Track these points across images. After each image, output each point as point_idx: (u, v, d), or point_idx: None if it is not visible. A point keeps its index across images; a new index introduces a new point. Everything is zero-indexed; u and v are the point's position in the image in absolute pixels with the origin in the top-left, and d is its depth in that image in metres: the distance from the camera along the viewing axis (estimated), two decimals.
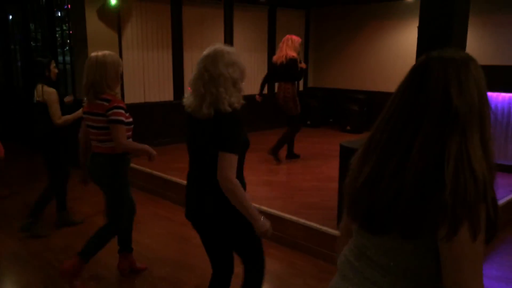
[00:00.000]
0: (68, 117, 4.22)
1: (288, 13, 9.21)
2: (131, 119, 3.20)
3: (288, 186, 5.28)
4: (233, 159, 2.11)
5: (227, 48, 2.19)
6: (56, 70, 4.38)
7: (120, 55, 6.85)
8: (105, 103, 3.09)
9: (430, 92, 1.16)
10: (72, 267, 3.15)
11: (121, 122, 3.08)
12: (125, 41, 6.91)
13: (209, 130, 2.13)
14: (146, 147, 3.31)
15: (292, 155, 6.47)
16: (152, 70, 7.31)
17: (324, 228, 3.88)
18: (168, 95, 7.58)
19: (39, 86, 4.20)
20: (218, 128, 2.11)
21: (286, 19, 9.20)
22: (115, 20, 6.74)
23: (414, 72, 1.23)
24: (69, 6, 7.03)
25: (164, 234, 4.48)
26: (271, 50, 8.72)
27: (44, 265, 3.78)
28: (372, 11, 8.78)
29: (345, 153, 3.75)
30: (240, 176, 2.21)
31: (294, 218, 4.15)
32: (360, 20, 8.99)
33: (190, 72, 7.84)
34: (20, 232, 4.29)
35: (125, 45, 6.91)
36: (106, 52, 3.19)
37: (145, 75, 7.24)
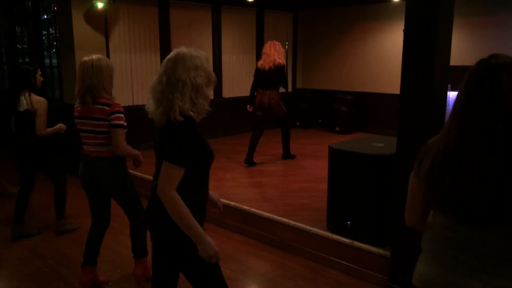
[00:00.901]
0: (48, 130, 4.19)
1: (275, 15, 9.24)
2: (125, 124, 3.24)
3: (278, 188, 5.29)
4: (174, 170, 1.95)
5: (192, 52, 2.04)
6: (41, 78, 4.32)
7: (108, 58, 6.81)
8: (106, 108, 3.10)
9: (504, 100, 1.31)
10: (141, 271, 3.44)
11: (122, 126, 3.13)
12: (112, 44, 6.87)
13: (161, 137, 2.04)
14: (138, 153, 3.34)
15: (288, 155, 6.62)
16: (140, 73, 7.27)
17: (314, 230, 3.89)
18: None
19: (27, 94, 4.09)
20: (165, 136, 2.01)
21: (273, 21, 9.23)
22: (102, 23, 6.70)
23: (479, 79, 1.38)
24: (55, 8, 6.97)
25: None
26: (260, 52, 8.71)
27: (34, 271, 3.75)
28: (359, 13, 8.84)
29: (334, 154, 3.77)
30: (196, 191, 2.08)
31: (283, 219, 4.16)
32: (347, 22, 9.05)
33: None
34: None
35: (112, 48, 6.88)
36: (100, 56, 3.19)
37: (133, 78, 7.20)
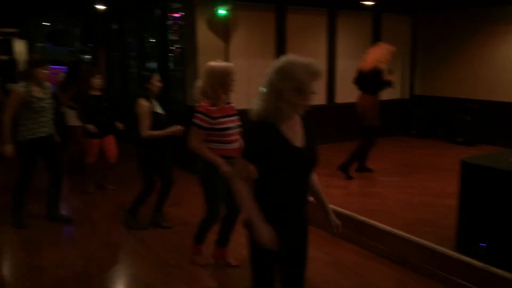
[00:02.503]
0: (154, 133, 4.37)
1: (393, 18, 8.87)
2: (225, 125, 3.43)
3: (395, 200, 5.04)
4: (241, 163, 2.20)
5: (294, 59, 2.12)
6: (158, 84, 4.55)
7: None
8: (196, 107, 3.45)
9: None
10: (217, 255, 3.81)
11: (196, 125, 3.40)
12: (232, 50, 7.11)
13: None
14: (216, 159, 3.40)
15: (363, 168, 6.07)
16: (256, 78, 7.42)
17: (441, 249, 3.63)
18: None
19: (138, 100, 4.42)
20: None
21: (391, 25, 8.87)
22: (223, 29, 6.97)
23: None
24: (181, 15, 7.41)
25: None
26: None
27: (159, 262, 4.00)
28: (486, 15, 8.12)
29: (469, 169, 3.47)
30: (270, 192, 2.18)
31: (406, 234, 3.95)
32: (472, 25, 8.36)
33: None
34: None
35: (232, 53, 7.11)
36: (219, 62, 3.52)
37: (249, 83, 7.38)
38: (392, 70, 5.88)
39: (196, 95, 3.56)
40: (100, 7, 8.99)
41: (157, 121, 4.42)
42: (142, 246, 4.34)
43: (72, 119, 6.49)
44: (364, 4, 7.71)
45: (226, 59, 7.05)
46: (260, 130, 2.16)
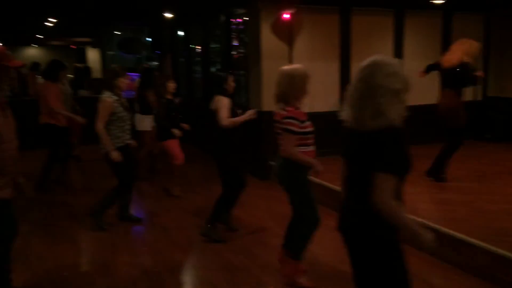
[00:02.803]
0: (235, 119, 4.42)
1: (465, 17, 8.44)
2: (308, 129, 3.41)
3: (471, 207, 4.76)
4: (390, 180, 1.97)
5: (386, 59, 2.11)
6: (233, 84, 4.65)
7: None
8: (283, 112, 3.37)
9: None
10: (289, 270, 3.57)
11: (290, 131, 3.32)
12: (295, 53, 7.08)
13: (366, 145, 2.05)
14: (312, 161, 3.41)
15: (436, 174, 5.66)
16: (319, 82, 7.35)
17: None
18: (334, 105, 7.54)
19: (216, 97, 4.48)
20: (376, 144, 2.00)
21: (462, 24, 8.43)
22: (287, 33, 6.97)
23: None
24: (244, 20, 7.50)
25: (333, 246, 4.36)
26: None
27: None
28: None
29: None
30: (398, 198, 2.06)
31: (483, 244, 3.71)
32: None
33: None
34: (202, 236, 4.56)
35: (296, 57, 7.08)
36: (296, 65, 3.51)
37: (313, 86, 7.31)
38: (476, 67, 5.53)
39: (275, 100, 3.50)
40: (168, 15, 9.32)
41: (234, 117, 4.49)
42: (210, 249, 4.39)
43: (143, 123, 6.70)
44: (433, 2, 7.41)
45: (290, 63, 7.04)
46: (402, 138, 2.03)
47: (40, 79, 8.84)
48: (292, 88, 3.38)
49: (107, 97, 4.57)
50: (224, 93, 4.52)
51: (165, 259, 4.18)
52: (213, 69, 8.96)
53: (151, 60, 11.44)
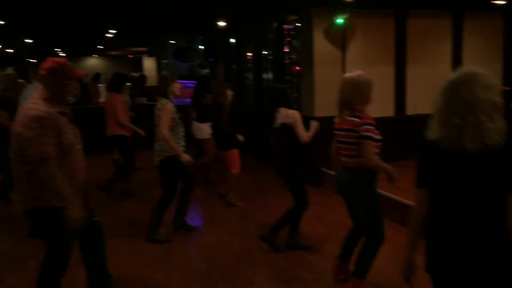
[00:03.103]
0: (310, 134, 4.36)
1: None
2: (379, 137, 3.28)
3: None
4: None
5: (478, 70, 1.93)
6: (291, 95, 4.66)
7: (344, 72, 6.97)
8: (357, 120, 3.25)
9: None
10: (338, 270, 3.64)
11: (370, 138, 3.20)
12: (348, 58, 6.99)
13: (478, 167, 1.85)
14: (391, 168, 3.28)
15: None
16: (375, 87, 7.21)
17: None
18: (388, 111, 7.38)
19: (283, 110, 4.35)
20: (493, 165, 1.82)
21: None
22: (340, 38, 6.90)
23: None
24: (296, 26, 7.51)
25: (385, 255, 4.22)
26: (508, 60, 7.72)
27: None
28: None
29: None
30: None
31: None
32: None
33: (413, 87, 7.50)
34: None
35: (349, 62, 6.99)
36: (360, 72, 3.38)
37: None
38: None
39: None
40: (221, 23, 9.50)
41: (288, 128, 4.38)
42: (265, 257, 4.38)
43: (202, 131, 6.69)
44: (495, 3, 7.07)
45: (343, 68, 6.97)
46: None
47: (102, 88, 9.27)
48: (358, 95, 3.28)
49: (167, 103, 4.58)
50: (289, 105, 4.46)
51: (218, 264, 4.23)
52: (265, 76, 9.03)
53: (203, 67, 11.69)
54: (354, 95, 3.28)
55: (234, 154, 5.90)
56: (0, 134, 5.78)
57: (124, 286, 3.81)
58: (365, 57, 7.10)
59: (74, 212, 2.80)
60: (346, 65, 6.99)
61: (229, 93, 5.95)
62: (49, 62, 2.92)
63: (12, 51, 14.65)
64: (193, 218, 5.54)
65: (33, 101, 2.87)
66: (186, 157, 4.56)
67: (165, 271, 4.10)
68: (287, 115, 4.35)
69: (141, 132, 6.35)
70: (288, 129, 4.34)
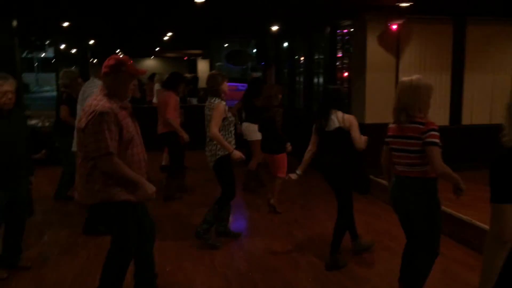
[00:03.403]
0: (366, 138, 4.25)
1: None
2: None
3: None
4: None
5: None
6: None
7: (397, 79, 6.82)
8: (420, 126, 3.09)
9: None
10: None
11: (437, 144, 3.04)
12: (402, 65, 6.84)
13: None
14: (458, 177, 3.09)
15: None
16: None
17: None
18: (443, 120, 7.13)
19: (339, 113, 4.19)
20: None
21: None
22: (394, 44, 6.76)
23: None
24: (349, 31, 7.42)
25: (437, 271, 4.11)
26: None
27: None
28: None
29: None
30: None
31: None
32: None
33: (470, 96, 7.22)
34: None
35: (403, 69, 6.83)
36: (419, 76, 3.21)
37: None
38: None
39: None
40: (274, 28, 9.57)
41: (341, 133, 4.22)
42: (307, 262, 4.39)
43: (254, 133, 6.63)
44: None
45: (396, 75, 6.82)
46: None
47: (157, 86, 9.57)
48: (416, 100, 3.11)
49: (220, 102, 4.52)
50: (344, 108, 4.32)
51: (260, 266, 4.26)
52: (316, 81, 8.99)
53: (255, 70, 11.80)
54: (412, 100, 3.11)
55: (283, 158, 5.84)
56: (60, 129, 6.14)
57: (167, 282, 3.92)
58: (420, 63, 6.93)
59: (148, 189, 3.01)
60: (400, 72, 6.84)
61: (280, 96, 5.88)
62: (111, 60, 3.03)
63: (75, 50, 15.45)
64: (238, 223, 5.60)
65: (96, 97, 3.00)
66: (237, 154, 4.50)
67: (207, 270, 4.19)
68: (344, 118, 4.16)
69: (185, 136, 6.28)
70: (343, 133, 4.16)
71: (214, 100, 4.54)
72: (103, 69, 3.06)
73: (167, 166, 7.16)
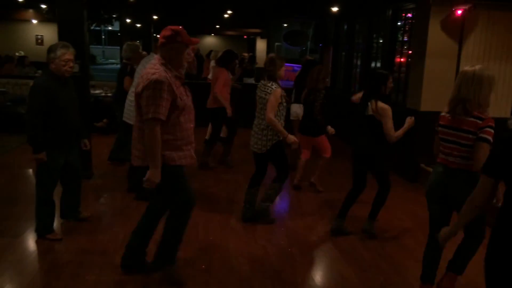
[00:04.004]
0: (399, 132, 4.25)
1: None
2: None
3: None
4: None
5: None
6: (391, 85, 4.45)
7: (458, 67, 6.57)
8: (478, 121, 2.96)
9: None
10: (447, 284, 3.38)
11: (489, 142, 2.92)
12: (465, 52, 6.56)
13: None
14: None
15: None
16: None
17: None
18: (504, 111, 6.80)
19: (373, 101, 4.22)
20: None
21: None
22: (457, 31, 6.49)
23: None
24: (412, 15, 7.20)
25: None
26: None
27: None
28: None
29: None
30: None
31: None
32: None
33: None
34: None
35: (465, 56, 6.56)
36: (482, 67, 3.02)
37: None
38: None
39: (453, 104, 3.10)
40: (334, 9, 9.44)
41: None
42: (346, 243, 4.44)
43: (297, 113, 6.85)
44: None
45: (458, 62, 6.57)
46: None
47: (212, 63, 9.78)
48: (478, 93, 2.94)
49: (277, 87, 4.48)
50: (381, 95, 4.28)
51: (299, 242, 4.37)
52: (373, 65, 8.83)
53: (313, 52, 11.71)
54: (472, 93, 2.94)
55: (323, 139, 5.89)
56: (120, 99, 6.48)
57: (208, 250, 4.13)
58: (484, 51, 6.61)
59: (154, 176, 3.10)
60: (462, 60, 6.58)
61: (327, 80, 5.81)
62: (167, 30, 3.17)
63: (140, 25, 16.00)
64: (281, 203, 5.71)
65: (153, 66, 3.16)
66: (292, 138, 4.55)
67: (249, 242, 4.35)
68: (378, 108, 4.18)
69: (229, 111, 6.52)
70: (375, 122, 4.21)
71: (271, 85, 4.50)
72: (160, 40, 3.21)
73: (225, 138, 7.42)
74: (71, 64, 3.98)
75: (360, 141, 4.45)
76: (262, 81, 4.67)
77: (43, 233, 4.14)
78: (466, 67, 3.07)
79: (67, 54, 3.91)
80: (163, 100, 3.03)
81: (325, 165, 6.05)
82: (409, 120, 4.27)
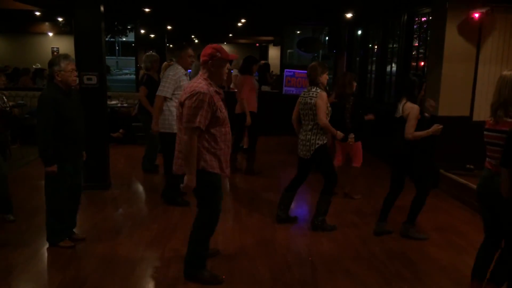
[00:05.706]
0: (419, 133, 4.27)
1: None
2: None
3: None
4: None
5: None
6: (423, 93, 4.48)
7: (476, 70, 6.50)
8: None
9: None
10: None
11: None
12: (483, 56, 6.49)
13: None
14: None
15: None
16: None
17: None
18: None
19: (403, 102, 4.34)
20: None
21: None
22: (475, 35, 6.43)
23: None
24: (426, 19, 7.13)
25: None
26: None
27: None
28: None
29: None
30: None
31: None
32: None
33: None
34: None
35: (483, 60, 6.49)
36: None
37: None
38: None
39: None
40: (348, 15, 9.41)
41: (422, 124, 4.36)
42: (368, 251, 4.41)
43: None
44: None
45: (476, 66, 6.49)
46: None
47: (235, 72, 9.83)
48: None
49: (322, 91, 4.56)
50: (414, 100, 4.33)
51: (320, 251, 4.33)
52: (388, 69, 8.76)
53: (327, 58, 11.65)
54: (510, 95, 3.01)
55: (358, 147, 5.78)
56: (143, 108, 6.68)
57: (230, 260, 4.12)
58: (503, 55, 6.53)
59: (191, 182, 3.31)
60: (480, 64, 6.50)
61: (355, 84, 5.70)
62: (209, 49, 3.40)
63: (153, 35, 16.15)
64: (299, 208, 5.70)
65: (197, 80, 3.38)
66: (341, 135, 4.79)
67: (268, 248, 4.33)
68: (404, 108, 4.31)
69: (248, 120, 6.72)
70: (403, 122, 4.31)
71: (316, 90, 4.57)
72: (202, 58, 3.41)
73: (247, 148, 7.52)
74: (76, 74, 4.08)
75: (395, 143, 4.52)
76: (307, 88, 4.71)
77: (54, 241, 4.20)
78: (504, 71, 3.14)
79: (70, 65, 3.99)
80: (204, 111, 3.22)
81: (356, 174, 5.94)
82: (435, 126, 4.30)
